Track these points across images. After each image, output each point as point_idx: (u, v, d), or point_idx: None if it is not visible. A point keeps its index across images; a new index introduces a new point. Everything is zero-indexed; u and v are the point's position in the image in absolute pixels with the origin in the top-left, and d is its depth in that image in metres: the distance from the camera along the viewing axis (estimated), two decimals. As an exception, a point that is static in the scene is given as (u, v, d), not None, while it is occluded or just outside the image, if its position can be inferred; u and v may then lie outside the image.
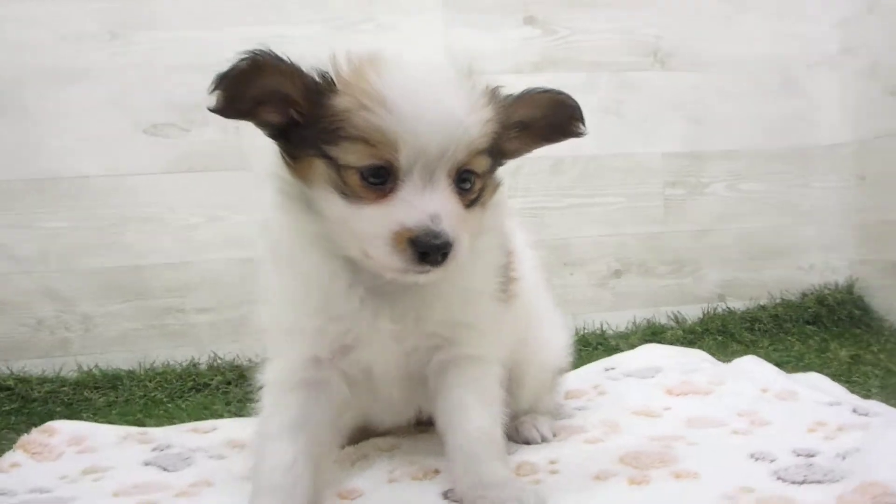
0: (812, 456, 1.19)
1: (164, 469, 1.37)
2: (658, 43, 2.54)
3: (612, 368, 1.93)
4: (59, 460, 1.44)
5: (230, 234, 2.36)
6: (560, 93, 1.12)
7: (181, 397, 2.12)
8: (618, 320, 2.55)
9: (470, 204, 1.03)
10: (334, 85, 1.00)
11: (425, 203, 0.95)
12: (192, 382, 2.18)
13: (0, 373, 2.20)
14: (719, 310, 2.60)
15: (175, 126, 2.36)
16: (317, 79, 1.00)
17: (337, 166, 0.98)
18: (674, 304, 2.61)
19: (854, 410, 1.40)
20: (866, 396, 1.60)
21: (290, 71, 0.99)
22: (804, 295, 2.64)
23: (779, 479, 1.11)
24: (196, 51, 2.26)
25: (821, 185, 2.69)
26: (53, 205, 2.32)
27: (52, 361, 2.28)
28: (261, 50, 0.96)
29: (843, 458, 1.15)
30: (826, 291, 2.62)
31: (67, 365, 2.27)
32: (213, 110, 0.98)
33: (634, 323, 2.56)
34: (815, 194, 2.69)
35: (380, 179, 0.97)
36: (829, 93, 2.64)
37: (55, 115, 2.28)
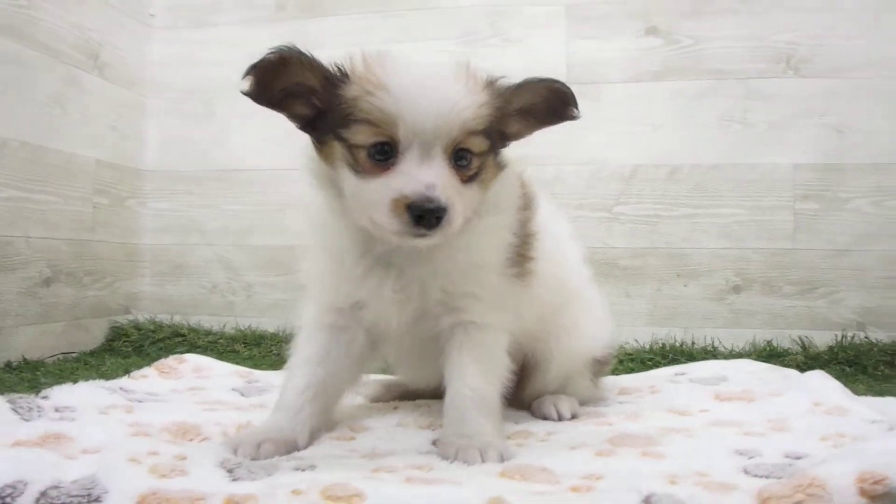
0: (799, 458, 1.14)
1: (242, 394, 1.68)
2: (792, 49, 2.41)
3: (682, 374, 1.89)
4: (179, 380, 1.82)
5: (363, 223, 2.70)
6: (556, 81, 1.23)
7: (304, 358, 2.47)
8: (734, 339, 2.44)
9: (468, 180, 1.16)
10: (347, 77, 1.17)
11: (422, 174, 1.09)
12: (316, 347, 2.52)
13: (179, 323, 2.75)
14: (857, 339, 2.35)
15: (328, 129, 2.76)
16: (333, 71, 1.18)
17: (349, 146, 1.15)
18: (802, 327, 2.42)
19: (891, 428, 1.27)
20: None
21: (311, 64, 1.17)
22: (969, 333, 2.30)
23: (744, 472, 1.08)
24: (345, 66, 2.64)
25: None
26: (233, 191, 2.84)
27: (220, 319, 2.78)
28: (287, 46, 1.16)
29: (825, 461, 1.09)
30: None
31: (230, 323, 2.75)
32: (246, 93, 1.15)
33: (753, 343, 2.42)
34: None
35: (383, 156, 1.12)
36: None
37: (237, 119, 2.80)
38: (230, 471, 1.05)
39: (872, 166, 2.39)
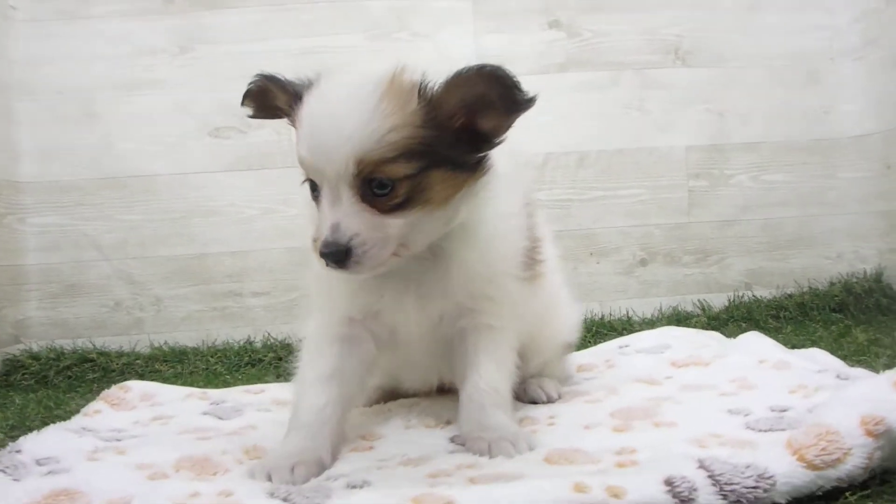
0: (785, 411, 1.30)
1: (219, 418, 1.60)
2: (679, 41, 2.67)
3: (626, 346, 2.07)
4: (133, 410, 1.69)
5: (283, 225, 2.61)
6: (485, 65, 1.11)
7: (238, 370, 2.37)
8: (644, 308, 2.67)
9: (392, 209, 1.11)
10: (301, 98, 1.16)
11: (329, 215, 1.10)
12: (247, 358, 2.43)
13: (85, 347, 2.51)
14: (745, 298, 2.68)
15: (235, 129, 2.63)
16: (298, 89, 1.18)
17: None
18: (700, 292, 2.71)
19: (837, 376, 1.49)
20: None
21: (282, 87, 1.20)
22: (831, 283, 2.69)
23: (748, 428, 1.23)
24: (252, 62, 2.48)
25: (848, 175, 2.75)
26: (130, 200, 2.62)
27: (129, 338, 2.57)
28: (262, 74, 1.21)
29: (811, 411, 1.26)
30: (854, 280, 2.66)
31: (142, 341, 2.56)
32: (250, 116, 1.27)
33: (660, 310, 2.67)
34: (842, 185, 2.75)
35: (315, 191, 1.15)
36: (853, 84, 2.70)
37: (124, 121, 2.58)
38: (285, 500, 1.02)
39: (749, 145, 2.71)
